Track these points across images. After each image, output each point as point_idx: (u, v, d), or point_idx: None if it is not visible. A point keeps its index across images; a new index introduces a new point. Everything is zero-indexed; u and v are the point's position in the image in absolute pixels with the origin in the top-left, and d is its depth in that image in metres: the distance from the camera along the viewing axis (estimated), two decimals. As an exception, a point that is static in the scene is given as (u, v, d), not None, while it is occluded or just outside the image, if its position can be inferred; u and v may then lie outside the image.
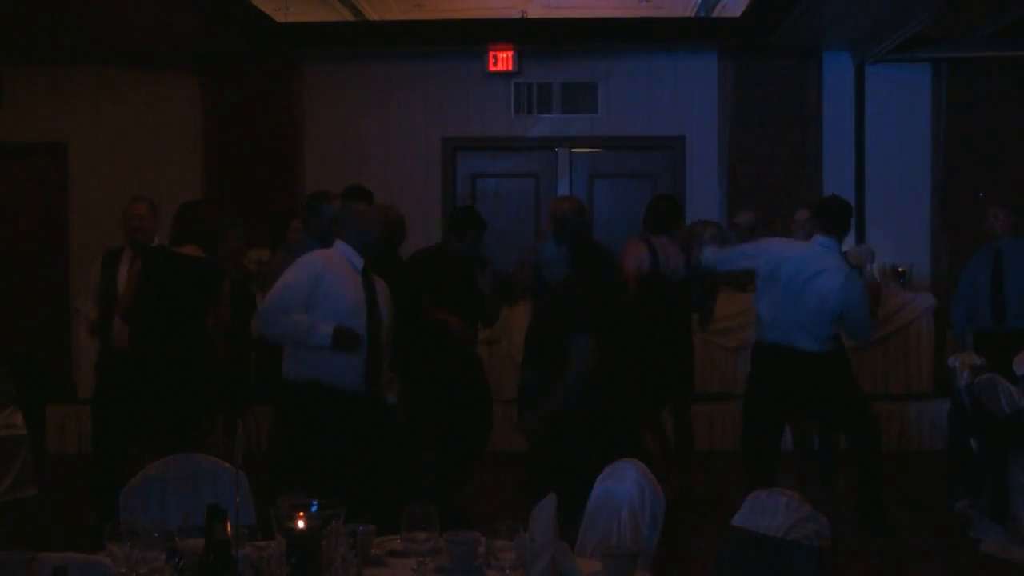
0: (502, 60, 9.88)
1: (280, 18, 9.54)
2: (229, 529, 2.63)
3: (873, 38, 9.00)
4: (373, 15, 9.89)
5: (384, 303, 5.00)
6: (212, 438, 6.61)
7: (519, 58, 9.90)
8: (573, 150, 10.18)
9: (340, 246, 4.98)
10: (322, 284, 4.81)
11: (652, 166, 10.13)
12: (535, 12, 9.76)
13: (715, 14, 9.70)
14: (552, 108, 10.02)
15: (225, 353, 6.42)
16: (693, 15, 9.85)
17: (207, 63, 9.87)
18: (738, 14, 9.41)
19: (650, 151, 10.13)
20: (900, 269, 9.24)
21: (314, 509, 2.73)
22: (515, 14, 9.74)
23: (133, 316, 6.05)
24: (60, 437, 8.47)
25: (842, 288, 5.88)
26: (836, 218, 6.05)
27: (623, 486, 3.35)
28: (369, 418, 4.94)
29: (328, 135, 10.04)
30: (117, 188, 9.75)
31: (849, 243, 9.19)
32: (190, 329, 6.01)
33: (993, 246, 7.82)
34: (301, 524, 2.64)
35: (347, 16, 9.83)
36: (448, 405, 6.42)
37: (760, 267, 6.08)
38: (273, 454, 6.12)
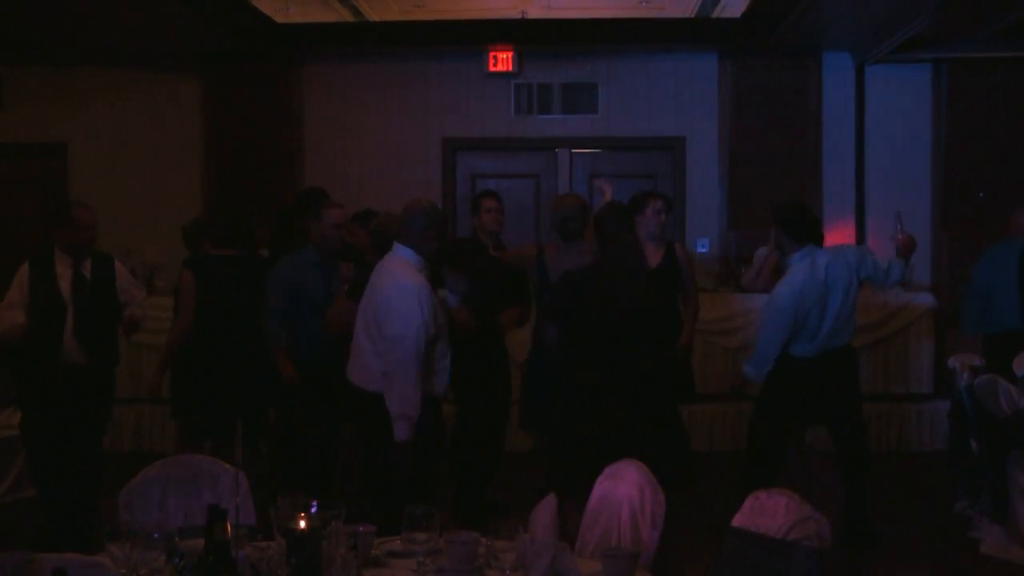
0: (502, 61, 9.87)
1: (280, 19, 9.53)
2: (229, 530, 2.63)
3: (873, 38, 8.99)
4: (373, 16, 9.86)
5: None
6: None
7: (519, 59, 9.90)
8: (573, 150, 10.18)
9: (402, 250, 4.84)
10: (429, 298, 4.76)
11: (652, 167, 10.12)
12: (535, 13, 9.74)
13: (715, 14, 9.68)
14: (552, 109, 10.01)
15: None
16: (693, 15, 9.83)
17: (207, 63, 9.87)
18: (738, 14, 9.40)
19: (650, 151, 10.12)
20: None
21: (314, 510, 2.73)
22: (515, 15, 9.72)
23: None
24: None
25: (846, 260, 5.99)
26: (809, 227, 6.07)
27: (623, 487, 3.35)
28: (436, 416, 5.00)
29: (328, 136, 10.03)
30: (117, 189, 9.79)
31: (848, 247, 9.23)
32: (252, 326, 6.09)
33: (1017, 245, 7.58)
34: (301, 525, 2.64)
35: (347, 16, 9.81)
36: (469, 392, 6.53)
37: (791, 322, 5.99)
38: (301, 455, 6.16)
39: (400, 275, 4.76)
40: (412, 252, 4.81)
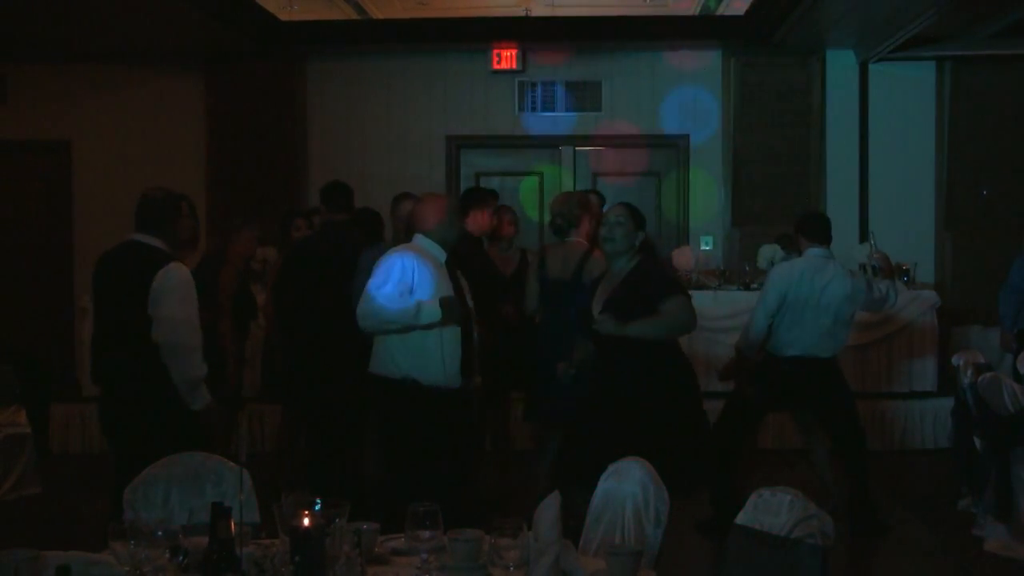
0: (506, 58, 9.88)
1: (284, 16, 9.54)
2: (233, 527, 2.63)
3: (877, 36, 8.98)
4: (377, 13, 9.87)
5: (468, 295, 5.04)
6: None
7: (523, 56, 9.91)
8: (577, 148, 10.18)
9: (421, 239, 4.97)
10: (414, 277, 4.81)
11: (656, 164, 10.12)
12: (539, 10, 9.73)
13: (719, 12, 9.68)
14: (556, 106, 10.02)
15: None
16: (697, 13, 9.82)
17: (212, 61, 9.87)
18: (742, 12, 9.40)
19: (654, 149, 10.12)
20: (904, 267, 9.22)
21: (318, 507, 2.73)
22: (519, 12, 9.72)
23: None
24: (64, 435, 8.45)
25: (851, 291, 6.13)
26: (823, 229, 6.28)
27: (627, 484, 3.34)
28: (458, 411, 4.95)
29: (332, 133, 10.04)
30: (120, 186, 9.78)
31: (852, 245, 9.22)
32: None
33: None
34: (305, 522, 2.64)
35: (351, 14, 9.81)
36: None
37: (779, 301, 6.16)
38: (308, 451, 6.12)
39: (400, 249, 4.94)
40: (425, 239, 4.93)
